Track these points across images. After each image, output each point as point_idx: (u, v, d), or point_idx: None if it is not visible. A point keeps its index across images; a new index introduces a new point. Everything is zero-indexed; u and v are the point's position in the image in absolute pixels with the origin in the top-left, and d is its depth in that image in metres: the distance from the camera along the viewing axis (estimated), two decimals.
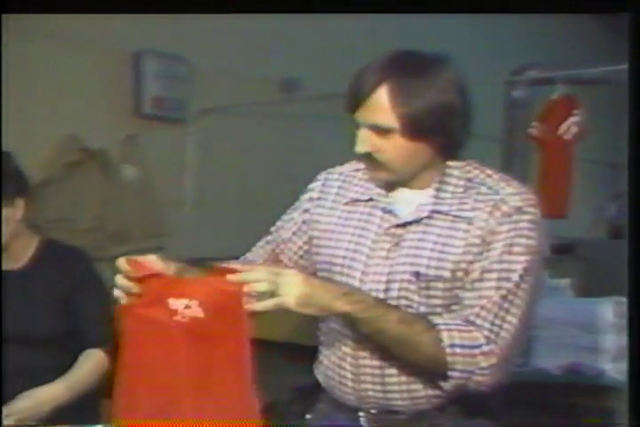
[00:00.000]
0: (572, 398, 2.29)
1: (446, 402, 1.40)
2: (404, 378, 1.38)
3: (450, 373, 1.31)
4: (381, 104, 1.31)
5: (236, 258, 1.55)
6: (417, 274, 1.35)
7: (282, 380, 2.43)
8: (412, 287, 1.35)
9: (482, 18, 2.22)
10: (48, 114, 3.01)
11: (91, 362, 1.87)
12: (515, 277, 1.33)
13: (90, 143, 3.14)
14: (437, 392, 1.38)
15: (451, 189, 1.39)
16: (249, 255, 1.56)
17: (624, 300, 1.82)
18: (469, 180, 1.39)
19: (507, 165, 4.62)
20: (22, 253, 1.88)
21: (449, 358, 1.30)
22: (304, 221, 1.51)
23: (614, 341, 2.29)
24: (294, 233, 1.51)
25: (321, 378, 1.52)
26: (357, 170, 1.48)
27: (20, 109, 2.92)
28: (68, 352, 1.86)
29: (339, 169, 1.52)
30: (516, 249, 1.33)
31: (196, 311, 1.23)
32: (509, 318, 1.33)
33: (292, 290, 1.23)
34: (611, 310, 2.32)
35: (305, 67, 3.85)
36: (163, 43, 3.37)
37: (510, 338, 1.33)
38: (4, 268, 1.86)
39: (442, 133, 1.34)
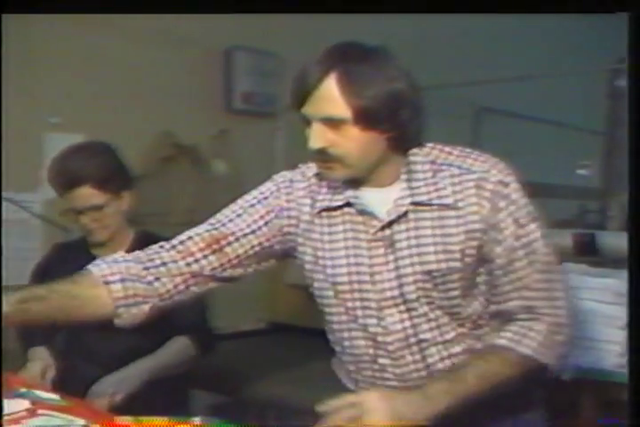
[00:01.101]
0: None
1: (495, 403, 1.34)
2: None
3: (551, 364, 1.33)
4: (331, 95, 1.26)
5: None
6: (430, 272, 1.31)
7: None
8: (429, 285, 1.32)
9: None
10: (142, 110, 3.09)
11: (177, 346, 1.93)
12: (539, 246, 1.32)
13: (182, 139, 3.21)
14: None
15: (420, 176, 1.33)
16: (168, 246, 1.45)
17: None
18: (433, 162, 1.34)
19: (608, 158, 4.46)
20: (121, 245, 1.94)
21: (542, 359, 1.32)
22: (269, 224, 1.43)
23: None
24: (253, 232, 1.43)
25: (354, 388, 1.48)
26: (317, 175, 1.42)
27: (114, 106, 3.02)
28: (156, 338, 1.92)
29: (299, 177, 1.44)
30: (523, 220, 1.32)
31: None
32: (556, 285, 1.34)
33: (378, 415, 1.19)
34: None
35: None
36: (253, 39, 3.41)
37: (565, 303, 1.34)
38: (99, 255, 1.94)
39: (394, 123, 1.28)
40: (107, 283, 1.38)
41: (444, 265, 1.31)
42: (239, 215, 1.47)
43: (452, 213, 1.31)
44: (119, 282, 1.38)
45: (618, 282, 2.17)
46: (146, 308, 1.41)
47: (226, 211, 1.51)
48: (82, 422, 1.33)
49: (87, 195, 1.85)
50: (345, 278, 1.37)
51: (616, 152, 4.38)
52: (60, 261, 1.98)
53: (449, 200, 1.31)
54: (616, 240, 3.91)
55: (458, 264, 1.31)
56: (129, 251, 1.96)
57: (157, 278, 1.41)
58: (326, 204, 1.39)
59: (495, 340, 1.33)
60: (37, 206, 2.81)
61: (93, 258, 1.93)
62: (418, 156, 1.35)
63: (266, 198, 1.46)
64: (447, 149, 1.37)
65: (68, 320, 1.45)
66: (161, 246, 1.45)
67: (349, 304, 1.38)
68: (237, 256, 1.44)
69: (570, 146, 4.75)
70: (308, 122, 1.32)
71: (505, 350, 1.31)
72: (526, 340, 1.31)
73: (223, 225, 1.46)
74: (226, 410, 2.48)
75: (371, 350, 1.39)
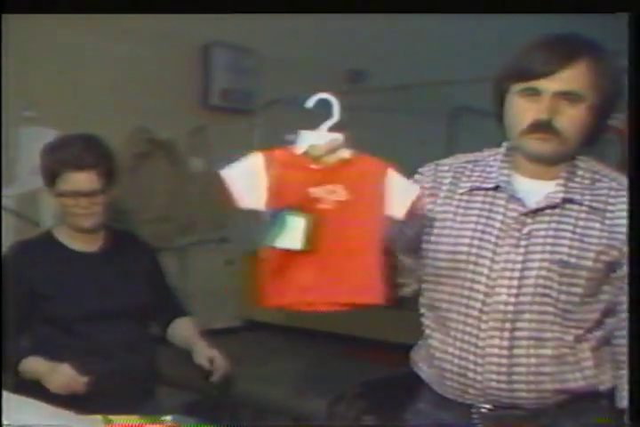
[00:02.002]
0: None
1: (569, 399, 1.39)
2: (532, 369, 1.38)
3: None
4: (579, 73, 1.35)
5: None
6: (561, 261, 1.36)
7: (345, 375, 2.42)
8: (553, 275, 1.36)
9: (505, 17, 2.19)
10: (118, 106, 3.07)
11: (191, 324, 2.10)
12: None
13: (158, 135, 3.19)
14: (567, 387, 1.38)
15: (578, 179, 1.42)
16: None
17: None
18: (595, 172, 1.43)
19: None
20: (98, 238, 2.01)
21: None
22: None
23: None
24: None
25: (428, 372, 1.50)
26: (469, 162, 1.50)
27: (90, 101, 2.99)
28: (149, 324, 2.05)
29: (447, 161, 1.54)
30: None
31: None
32: None
33: None
34: None
35: (371, 58, 3.82)
36: (231, 35, 3.39)
37: None
38: (79, 250, 1.98)
39: (608, 114, 1.40)
40: None
41: (574, 260, 1.36)
42: None
43: (600, 218, 1.39)
44: None
45: None
46: None
47: None
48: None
49: (89, 180, 1.91)
50: (465, 248, 1.42)
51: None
52: (33, 260, 1.96)
53: (601, 206, 1.39)
54: None
55: (589, 263, 1.37)
56: (107, 243, 2.02)
57: None
58: (477, 185, 1.47)
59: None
60: (11, 201, 2.78)
61: (72, 252, 1.96)
62: (583, 162, 1.45)
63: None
64: (608, 167, 1.47)
65: None
66: None
67: (461, 274, 1.42)
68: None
69: None
70: (529, 95, 1.38)
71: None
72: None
73: None
74: (200, 409, 2.47)
75: (460, 326, 1.41)
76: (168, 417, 1.40)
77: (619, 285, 1.39)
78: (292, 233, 1.24)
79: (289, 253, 1.24)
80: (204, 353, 1.97)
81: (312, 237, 1.24)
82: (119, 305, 1.96)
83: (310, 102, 1.34)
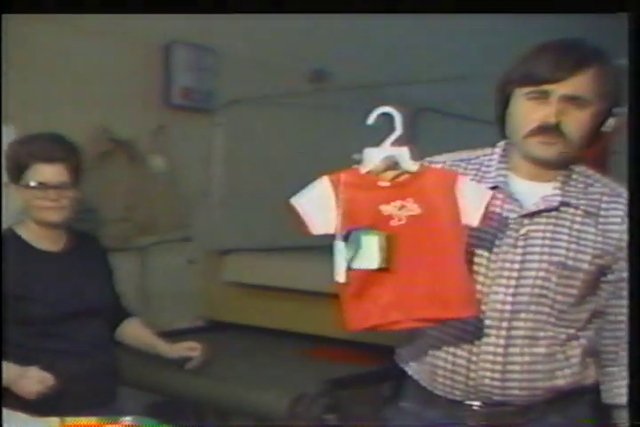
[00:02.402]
0: None
1: (557, 395, 1.43)
2: (526, 367, 1.40)
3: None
4: (588, 79, 1.37)
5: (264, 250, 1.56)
6: (560, 263, 1.38)
7: (308, 373, 2.43)
8: (551, 276, 1.39)
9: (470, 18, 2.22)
10: (78, 105, 3.03)
11: (142, 324, 2.17)
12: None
13: (119, 134, 3.16)
14: (557, 384, 1.41)
15: (574, 183, 1.45)
16: None
17: None
18: (588, 177, 1.46)
19: None
20: (61, 237, 2.02)
21: None
22: None
23: None
24: None
25: (418, 368, 1.50)
26: (462, 160, 1.52)
27: (50, 100, 2.95)
28: (110, 323, 2.08)
29: (439, 159, 1.55)
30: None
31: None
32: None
33: None
34: None
35: (333, 58, 3.84)
36: (192, 34, 3.38)
37: None
38: (44, 249, 1.98)
39: (606, 120, 1.43)
40: None
41: (571, 262, 1.39)
42: None
43: (593, 222, 1.41)
44: None
45: None
46: None
47: None
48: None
49: (58, 172, 1.93)
50: None
51: None
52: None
53: (594, 210, 1.42)
54: None
55: (585, 266, 1.39)
56: (69, 242, 2.00)
57: None
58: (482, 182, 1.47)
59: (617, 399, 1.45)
60: None
61: (37, 251, 1.94)
62: (576, 167, 1.47)
63: None
64: (599, 174, 1.50)
65: None
66: None
67: None
68: None
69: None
70: (537, 98, 1.40)
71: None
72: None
73: None
74: (162, 410, 2.45)
75: (457, 324, 1.41)
76: (128, 418, 1.39)
77: (609, 289, 1.43)
78: (369, 253, 1.24)
79: (368, 273, 1.25)
80: (181, 345, 2.09)
81: (389, 254, 1.24)
82: (88, 304, 1.96)
83: (371, 118, 1.34)
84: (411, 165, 1.32)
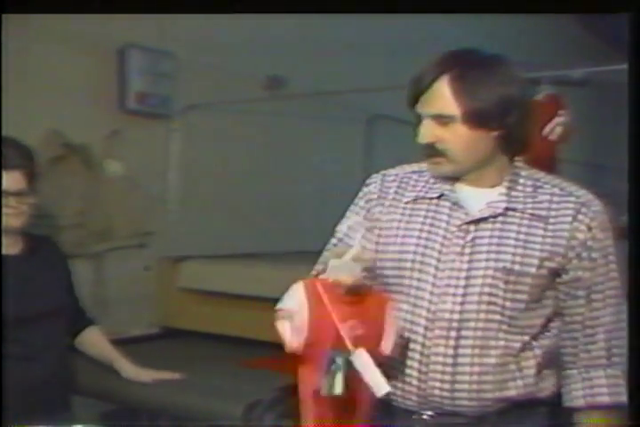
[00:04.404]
0: None
1: (509, 406, 1.41)
2: (475, 377, 1.39)
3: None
4: (443, 94, 1.35)
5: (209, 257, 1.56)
6: (505, 269, 1.38)
7: (263, 379, 2.42)
8: (498, 283, 1.38)
9: (461, 17, 2.24)
10: (30, 108, 2.99)
11: (104, 337, 2.21)
12: (616, 285, 1.43)
13: (72, 138, 3.12)
14: (508, 395, 1.40)
15: (520, 188, 1.44)
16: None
17: None
18: (537, 180, 1.46)
19: None
20: (18, 241, 2.02)
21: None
22: (370, 220, 1.52)
23: None
24: (363, 237, 1.48)
25: None
26: (414, 172, 1.52)
27: (1, 103, 2.89)
28: (68, 327, 2.08)
29: (393, 171, 1.55)
30: (611, 258, 1.43)
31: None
32: (624, 331, 1.42)
33: None
34: None
35: (290, 65, 3.84)
36: (148, 38, 3.35)
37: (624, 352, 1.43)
38: (5, 253, 1.98)
39: (501, 123, 1.38)
40: None
41: (517, 267, 1.38)
42: (350, 227, 1.55)
43: (542, 224, 1.40)
44: None
45: None
46: None
47: (339, 226, 1.59)
48: None
49: (16, 179, 1.92)
50: (409, 256, 1.44)
51: None
52: None
53: (542, 212, 1.41)
54: None
55: (532, 270, 1.38)
56: (27, 245, 2.00)
57: None
58: (422, 194, 1.47)
59: (597, 398, 1.43)
60: None
61: None
62: (524, 170, 1.46)
63: (362, 200, 1.56)
64: (549, 175, 1.49)
65: None
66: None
67: (406, 282, 1.43)
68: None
69: None
70: (419, 119, 1.40)
71: (611, 406, 1.42)
72: (619, 388, 1.42)
73: (344, 236, 1.55)
74: (115, 418, 2.42)
75: (406, 333, 1.41)
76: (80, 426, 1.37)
77: (564, 290, 1.43)
78: (339, 377, 1.23)
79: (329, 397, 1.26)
80: (147, 373, 2.23)
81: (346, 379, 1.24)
82: (47, 307, 1.95)
83: None
84: (361, 285, 1.30)
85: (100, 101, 3.29)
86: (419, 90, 1.38)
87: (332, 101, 3.78)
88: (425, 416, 1.43)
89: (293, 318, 1.27)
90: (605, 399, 1.43)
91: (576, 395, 1.45)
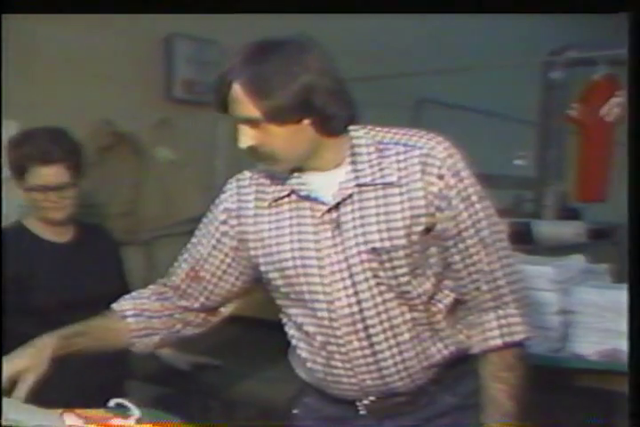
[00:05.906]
0: (609, 384, 2.26)
1: (441, 373, 1.41)
2: (398, 358, 1.38)
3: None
4: (239, 98, 1.30)
5: None
6: (374, 250, 1.33)
7: None
8: (375, 265, 1.34)
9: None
10: (80, 98, 3.04)
11: None
12: (490, 224, 1.37)
13: (122, 127, 3.16)
14: (434, 361, 1.40)
15: (365, 158, 1.36)
16: (166, 281, 1.54)
17: None
18: (379, 142, 1.37)
19: (543, 149, 4.55)
20: (68, 229, 2.02)
21: (531, 335, 1.41)
22: (223, 233, 1.46)
23: None
24: (214, 247, 1.47)
25: (306, 377, 1.50)
26: (267, 171, 1.44)
27: (52, 94, 2.95)
28: None
29: (247, 174, 1.48)
30: (474, 198, 1.36)
31: None
32: (514, 266, 1.40)
33: None
34: None
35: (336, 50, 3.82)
36: (194, 26, 3.37)
37: (523, 284, 1.42)
38: (51, 240, 2.00)
39: (308, 112, 1.30)
40: (124, 317, 1.51)
41: (387, 243, 1.33)
42: (203, 234, 1.51)
43: (397, 190, 1.33)
44: (132, 317, 1.50)
45: (552, 269, 2.24)
46: (156, 339, 1.52)
47: (196, 231, 1.56)
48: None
49: (57, 174, 1.91)
50: (290, 263, 1.38)
51: (550, 143, 4.48)
52: (7, 251, 1.95)
53: (393, 178, 1.33)
54: (550, 228, 4.02)
55: (403, 241, 1.33)
56: (77, 234, 2.02)
57: (169, 314, 1.53)
58: (276, 195, 1.41)
59: (489, 341, 1.39)
60: None
61: (45, 242, 1.95)
62: (362, 138, 1.37)
63: (218, 209, 1.49)
64: (393, 130, 1.39)
65: (103, 349, 1.55)
66: (164, 283, 1.55)
67: (296, 288, 1.39)
68: (213, 275, 1.49)
69: (506, 136, 4.84)
70: (236, 123, 1.36)
71: (505, 347, 1.38)
72: (512, 328, 1.39)
73: (194, 247, 1.53)
74: (169, 402, 2.46)
75: (319, 337, 1.40)
76: (136, 411, 1.40)
77: (440, 244, 1.35)
78: None
79: None
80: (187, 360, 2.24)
81: None
82: (94, 295, 1.96)
83: None
84: None
85: (147, 90, 3.33)
86: (219, 97, 1.33)
87: (378, 86, 3.75)
88: (366, 402, 1.43)
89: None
90: (498, 342, 1.38)
91: (470, 343, 1.42)
